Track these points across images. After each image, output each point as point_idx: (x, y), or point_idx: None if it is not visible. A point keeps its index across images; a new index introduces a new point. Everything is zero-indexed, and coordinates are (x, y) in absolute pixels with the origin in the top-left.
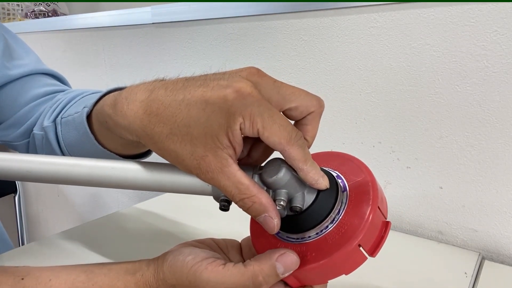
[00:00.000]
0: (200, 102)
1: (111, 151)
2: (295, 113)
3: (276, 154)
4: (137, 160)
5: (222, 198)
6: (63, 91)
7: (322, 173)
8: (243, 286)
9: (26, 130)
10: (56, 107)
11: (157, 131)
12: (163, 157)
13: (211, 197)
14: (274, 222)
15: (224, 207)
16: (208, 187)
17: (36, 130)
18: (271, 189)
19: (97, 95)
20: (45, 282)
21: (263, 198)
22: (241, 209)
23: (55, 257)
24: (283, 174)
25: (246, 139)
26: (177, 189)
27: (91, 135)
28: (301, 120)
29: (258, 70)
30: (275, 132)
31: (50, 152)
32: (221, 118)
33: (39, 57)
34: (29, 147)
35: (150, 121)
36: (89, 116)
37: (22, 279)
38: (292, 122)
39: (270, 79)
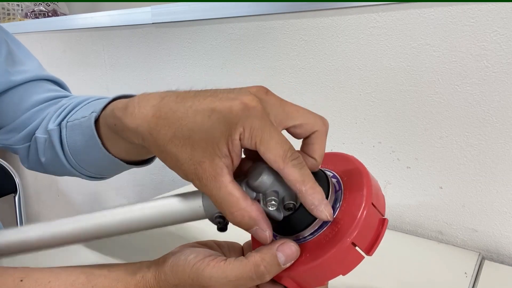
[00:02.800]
0: (207, 110)
1: (115, 157)
2: (299, 131)
3: None
4: (121, 204)
5: (216, 215)
6: (65, 96)
7: (326, 201)
8: (246, 277)
9: (27, 134)
10: (62, 112)
11: (162, 133)
12: (164, 161)
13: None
14: (265, 234)
15: (220, 224)
16: (200, 208)
17: (39, 134)
18: (260, 192)
19: (105, 101)
20: (44, 284)
21: (253, 211)
22: None
23: (55, 257)
24: (266, 176)
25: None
26: (170, 220)
27: (98, 139)
28: (307, 140)
29: (267, 89)
30: (271, 148)
31: (52, 155)
32: (223, 127)
33: (40, 63)
34: (30, 151)
35: (157, 124)
36: (96, 121)
37: (21, 280)
38: (300, 140)
39: (277, 98)
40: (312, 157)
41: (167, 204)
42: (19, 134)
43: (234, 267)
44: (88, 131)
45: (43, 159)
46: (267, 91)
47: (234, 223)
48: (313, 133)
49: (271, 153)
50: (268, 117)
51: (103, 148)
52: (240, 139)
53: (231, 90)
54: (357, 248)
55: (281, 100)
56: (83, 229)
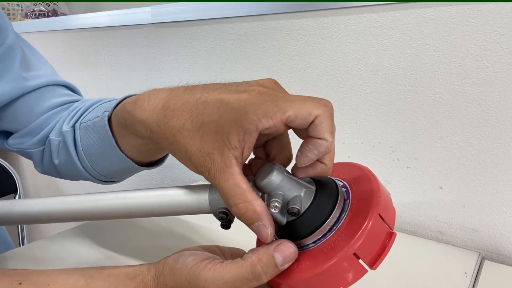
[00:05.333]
0: (216, 101)
1: (126, 156)
2: (297, 122)
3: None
4: (129, 190)
5: (220, 210)
6: (78, 101)
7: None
8: (243, 278)
9: (41, 138)
10: (75, 114)
11: (170, 125)
12: (173, 153)
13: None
14: (267, 231)
15: (223, 220)
16: (205, 202)
17: (52, 136)
18: (266, 193)
19: (116, 101)
20: (43, 287)
21: (257, 206)
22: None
23: (55, 257)
24: (274, 176)
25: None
26: (174, 210)
27: (112, 138)
28: (310, 131)
29: (276, 81)
30: (297, 107)
31: (66, 156)
32: (233, 118)
33: (54, 68)
34: (44, 154)
35: (165, 115)
36: (108, 120)
37: (20, 283)
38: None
39: (285, 91)
40: (321, 162)
41: (174, 195)
42: (33, 138)
43: (230, 269)
44: (102, 130)
45: (56, 161)
46: (275, 82)
47: (237, 216)
48: (313, 120)
49: (303, 108)
50: (277, 92)
51: (116, 146)
52: (261, 129)
53: (240, 83)
54: (360, 261)
55: (288, 94)
56: (91, 208)
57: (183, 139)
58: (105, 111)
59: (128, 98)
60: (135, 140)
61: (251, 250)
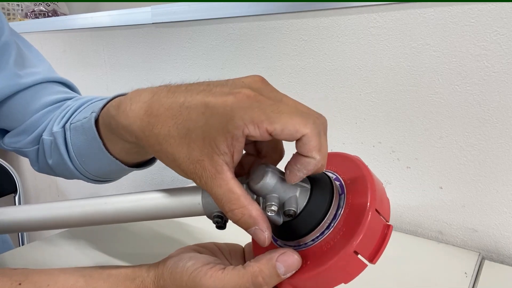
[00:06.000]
0: (200, 105)
1: (116, 158)
2: (283, 136)
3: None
4: (118, 194)
5: (215, 214)
6: (72, 98)
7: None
8: None
9: (36, 137)
10: (66, 114)
11: (155, 132)
12: (161, 160)
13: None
14: (264, 235)
15: (218, 223)
16: (199, 205)
17: (45, 136)
18: (261, 196)
19: (104, 101)
20: (43, 287)
21: (253, 210)
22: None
23: (55, 257)
24: (268, 179)
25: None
26: (167, 214)
27: (99, 139)
28: (297, 147)
29: (262, 79)
30: (285, 121)
31: (58, 157)
32: (219, 123)
33: (51, 65)
34: (39, 154)
35: (149, 122)
36: (96, 121)
37: (20, 284)
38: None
39: (273, 89)
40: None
41: (166, 198)
42: (28, 137)
43: (231, 277)
44: (89, 132)
45: (50, 161)
46: (263, 81)
47: (234, 221)
48: (300, 138)
49: (290, 124)
50: (266, 98)
51: (104, 149)
52: (246, 135)
53: (224, 83)
54: (359, 256)
55: (277, 93)
56: (81, 214)
57: (170, 147)
58: (92, 112)
59: (113, 101)
60: (123, 144)
61: (254, 259)
